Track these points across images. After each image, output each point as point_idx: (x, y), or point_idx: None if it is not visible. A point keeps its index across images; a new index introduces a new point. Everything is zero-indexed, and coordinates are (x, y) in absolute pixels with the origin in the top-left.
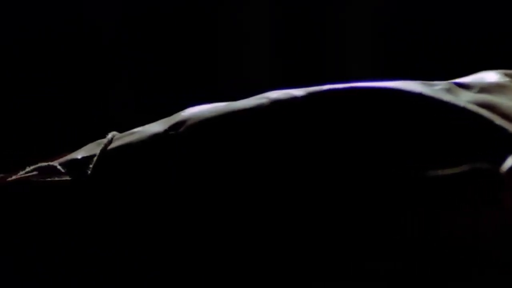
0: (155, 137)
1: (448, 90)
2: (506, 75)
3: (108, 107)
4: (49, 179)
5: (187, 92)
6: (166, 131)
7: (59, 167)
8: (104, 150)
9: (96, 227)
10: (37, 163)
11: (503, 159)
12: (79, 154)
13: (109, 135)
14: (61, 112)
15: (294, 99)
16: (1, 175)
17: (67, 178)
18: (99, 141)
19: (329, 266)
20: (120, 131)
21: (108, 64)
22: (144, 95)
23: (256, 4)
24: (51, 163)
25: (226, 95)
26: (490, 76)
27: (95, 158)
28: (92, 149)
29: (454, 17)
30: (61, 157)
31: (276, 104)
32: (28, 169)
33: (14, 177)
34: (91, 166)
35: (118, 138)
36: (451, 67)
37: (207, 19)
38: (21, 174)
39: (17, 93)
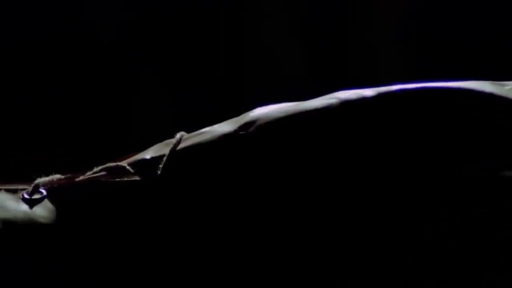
0: (225, 137)
1: None
2: None
3: (131, 109)
4: (118, 179)
5: (212, 95)
6: (236, 131)
7: (128, 167)
8: (173, 150)
9: (166, 226)
10: (105, 163)
11: None
12: (147, 155)
13: (178, 135)
14: (76, 113)
15: (364, 99)
16: (69, 175)
17: (137, 178)
18: (167, 141)
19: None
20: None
21: (127, 65)
22: (163, 99)
23: (282, 9)
24: (119, 164)
25: (252, 102)
26: None
27: (164, 158)
28: (160, 149)
29: (486, 16)
30: (128, 157)
31: (346, 104)
32: (96, 169)
33: (82, 177)
34: (160, 166)
35: (186, 139)
36: (485, 67)
37: (233, 25)
38: (90, 175)
39: (25, 94)
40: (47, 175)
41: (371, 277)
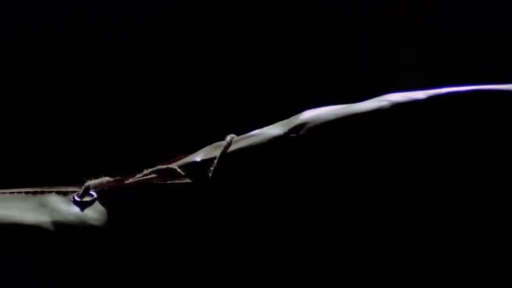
0: (276, 139)
1: None
2: None
3: (152, 107)
4: (169, 181)
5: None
6: (286, 134)
7: (178, 169)
8: (224, 153)
9: (217, 228)
10: (155, 166)
11: None
12: (197, 157)
13: (228, 138)
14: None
15: (415, 101)
16: (118, 177)
17: (188, 180)
18: (217, 143)
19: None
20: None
21: (142, 65)
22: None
23: (307, 15)
24: (170, 166)
25: (278, 109)
26: None
27: (215, 161)
28: (210, 151)
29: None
30: (177, 159)
31: (397, 106)
32: (145, 171)
33: (131, 179)
34: (211, 168)
35: (236, 141)
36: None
37: (258, 30)
38: (139, 177)
39: (32, 94)
40: (96, 177)
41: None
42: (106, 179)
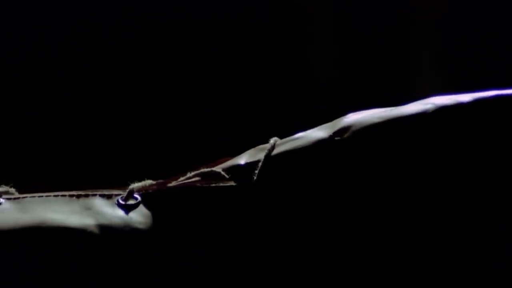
0: (320, 143)
1: None
2: None
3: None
4: (214, 184)
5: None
6: (331, 137)
7: (222, 173)
8: (268, 156)
9: (261, 231)
10: (199, 169)
11: None
12: (241, 160)
13: (271, 141)
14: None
15: (460, 104)
16: (161, 180)
17: (232, 183)
18: (260, 146)
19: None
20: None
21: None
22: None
23: (322, 16)
24: (213, 169)
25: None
26: None
27: (259, 164)
28: (254, 154)
29: None
30: (220, 163)
31: (442, 109)
32: (189, 174)
33: (174, 183)
34: (256, 171)
35: (279, 144)
36: None
37: (271, 30)
38: (183, 180)
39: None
40: (139, 180)
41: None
42: (148, 182)
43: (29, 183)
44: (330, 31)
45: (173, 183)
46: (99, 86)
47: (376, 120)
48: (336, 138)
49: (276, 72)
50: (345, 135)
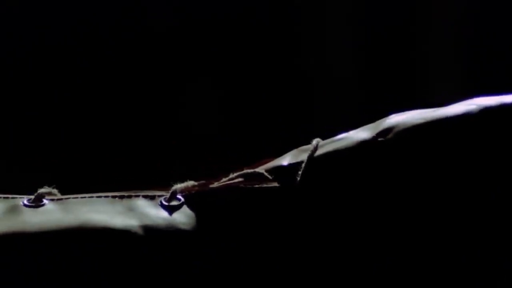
0: (363, 143)
1: None
2: None
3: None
4: (257, 185)
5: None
6: (374, 138)
7: (266, 174)
8: (311, 157)
9: (305, 232)
10: (242, 170)
11: None
12: (284, 161)
13: (314, 142)
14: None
15: (504, 105)
16: (202, 181)
17: (275, 184)
18: (303, 147)
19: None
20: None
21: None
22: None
23: (340, 17)
24: (256, 170)
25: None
26: None
27: (303, 165)
28: (297, 155)
29: None
30: (262, 164)
31: (486, 110)
32: (231, 175)
33: (216, 183)
34: (299, 172)
35: (322, 145)
36: None
37: (290, 32)
38: (225, 181)
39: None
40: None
41: None
42: (191, 183)
43: (29, 184)
44: (348, 29)
45: (216, 184)
46: (99, 86)
47: (420, 121)
48: (379, 139)
49: (294, 72)
50: (389, 136)
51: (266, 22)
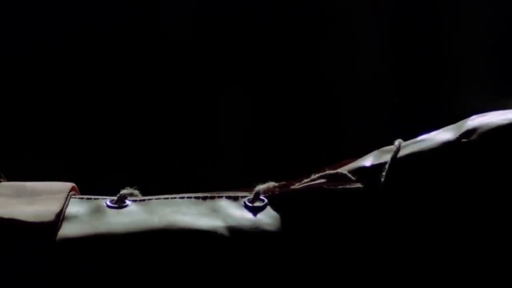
0: (447, 145)
1: None
2: None
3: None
4: (341, 186)
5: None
6: (457, 139)
7: (349, 175)
8: (394, 158)
9: (390, 234)
10: (325, 171)
11: None
12: (366, 162)
13: (396, 143)
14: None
15: None
16: (283, 182)
17: (359, 185)
18: (384, 148)
19: None
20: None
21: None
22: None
23: (368, 18)
24: (339, 171)
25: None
26: None
27: (386, 166)
28: (379, 156)
29: None
30: (343, 165)
31: None
32: (313, 176)
33: (298, 184)
34: (383, 173)
35: (404, 146)
36: None
37: (316, 37)
38: (307, 182)
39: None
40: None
41: None
42: (272, 184)
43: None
44: (375, 30)
45: (298, 185)
46: (99, 86)
47: (504, 122)
48: (463, 140)
49: (321, 74)
50: (472, 138)
51: (293, 22)
